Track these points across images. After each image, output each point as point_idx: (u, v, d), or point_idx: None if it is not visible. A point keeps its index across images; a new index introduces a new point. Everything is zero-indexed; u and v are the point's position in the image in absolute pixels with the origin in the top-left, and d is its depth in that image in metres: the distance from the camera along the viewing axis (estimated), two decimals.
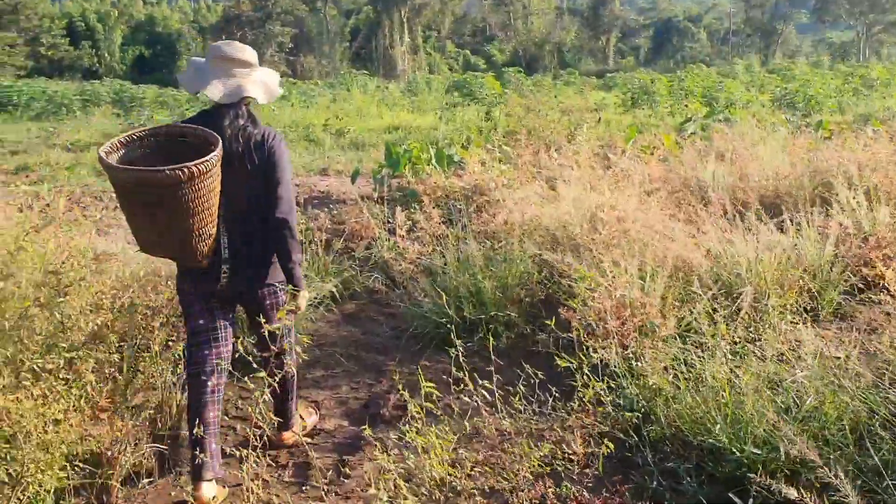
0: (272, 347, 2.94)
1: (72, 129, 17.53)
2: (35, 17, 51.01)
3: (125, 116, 18.78)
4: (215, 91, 3.08)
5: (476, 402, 3.45)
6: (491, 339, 3.88)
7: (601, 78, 39.40)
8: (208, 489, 3.01)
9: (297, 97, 21.87)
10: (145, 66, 57.37)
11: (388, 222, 7.25)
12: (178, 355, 3.64)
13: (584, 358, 3.33)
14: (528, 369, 3.36)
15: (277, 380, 2.96)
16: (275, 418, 3.12)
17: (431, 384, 3.03)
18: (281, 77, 3.47)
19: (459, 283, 4.66)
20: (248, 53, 3.24)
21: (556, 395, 3.37)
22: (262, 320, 3.12)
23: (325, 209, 9.25)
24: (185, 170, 2.73)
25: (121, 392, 3.31)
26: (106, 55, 57.37)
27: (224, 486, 3.17)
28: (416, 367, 4.38)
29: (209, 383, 3.15)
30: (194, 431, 3.02)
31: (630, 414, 3.24)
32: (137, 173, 2.75)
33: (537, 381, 3.34)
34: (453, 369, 4.01)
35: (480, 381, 3.21)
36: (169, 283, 4.15)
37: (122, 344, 3.51)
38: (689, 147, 8.86)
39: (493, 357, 3.47)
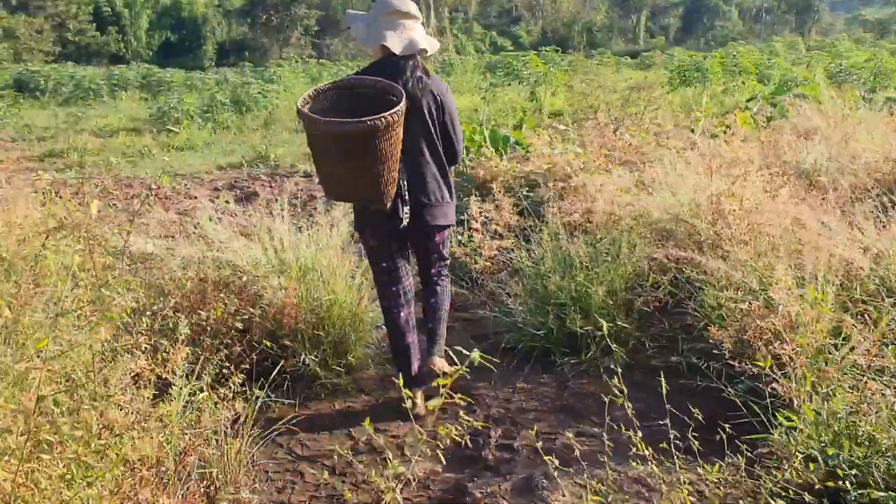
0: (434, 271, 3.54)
1: (99, 114, 16.97)
2: (62, 2, 50.70)
3: (153, 100, 18.20)
4: (395, 44, 3.21)
5: (604, 439, 2.72)
6: (601, 353, 3.09)
7: (635, 58, 38.24)
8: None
9: (329, 78, 21.14)
10: (171, 51, 56.86)
11: None
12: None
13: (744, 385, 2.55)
14: (660, 395, 2.60)
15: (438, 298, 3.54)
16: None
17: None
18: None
19: (559, 286, 3.90)
20: (414, 7, 3.36)
21: (698, 433, 2.61)
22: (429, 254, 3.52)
23: None
24: (383, 119, 2.89)
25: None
26: (132, 40, 56.95)
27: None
28: (514, 392, 3.65)
29: (402, 314, 3.49)
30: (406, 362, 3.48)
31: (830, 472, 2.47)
32: (341, 125, 2.89)
33: (671, 411, 2.58)
34: (564, 395, 3.28)
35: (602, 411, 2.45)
36: (218, 292, 3.46)
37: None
38: (770, 127, 8.00)
39: (608, 378, 2.68)
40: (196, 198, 9.01)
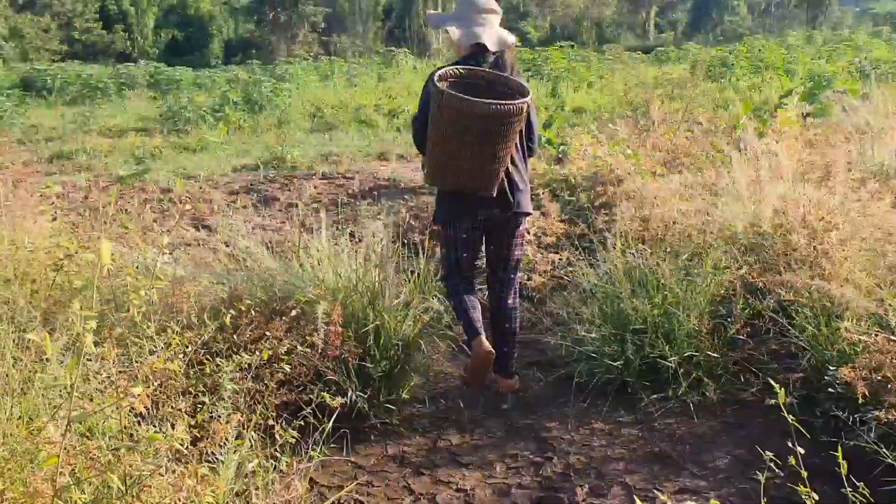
0: (512, 276, 3.62)
1: (108, 114, 16.56)
2: (68, 0, 50.37)
3: (162, 100, 17.75)
4: (489, 41, 3.32)
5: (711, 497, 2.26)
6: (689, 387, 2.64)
7: (647, 53, 37.70)
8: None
9: (341, 75, 20.68)
10: (178, 49, 56.50)
11: None
12: None
13: None
14: (762, 437, 2.15)
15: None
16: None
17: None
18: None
19: (637, 309, 3.44)
20: (495, 3, 3.45)
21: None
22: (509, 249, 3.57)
23: (400, 200, 8.08)
24: (525, 104, 3.08)
25: None
26: (138, 38, 56.63)
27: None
28: (593, 434, 3.20)
29: (474, 298, 3.53)
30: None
31: None
32: (495, 105, 2.97)
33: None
34: (652, 439, 2.83)
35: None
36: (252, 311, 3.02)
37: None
38: (808, 125, 7.53)
39: (700, 418, 2.21)
40: (211, 202, 8.60)
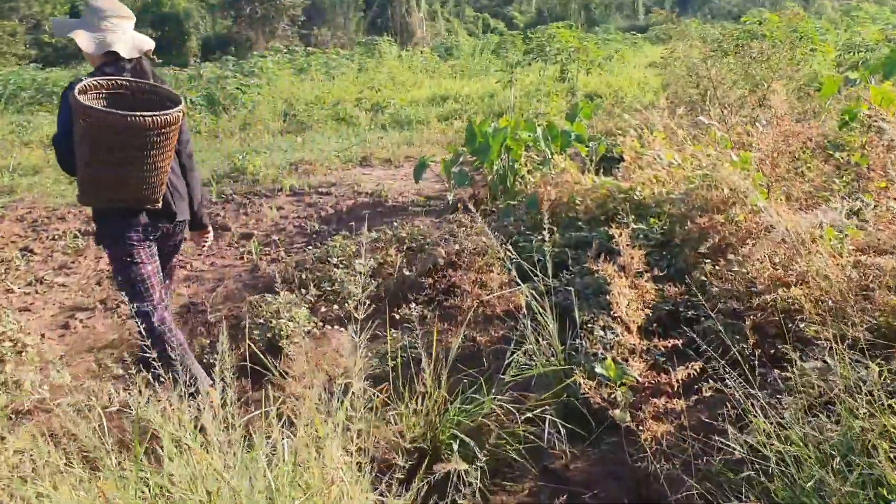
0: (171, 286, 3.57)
1: (50, 122, 14.58)
2: (36, 3, 48.18)
3: None
4: (124, 48, 3.12)
5: None
6: None
7: (643, 32, 35.90)
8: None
9: (319, 68, 18.71)
10: (155, 48, 54.46)
11: (511, 256, 4.25)
12: None
13: None
14: None
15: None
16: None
17: None
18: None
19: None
20: (126, 8, 3.24)
21: None
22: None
23: (384, 223, 6.20)
24: (182, 112, 2.96)
25: None
26: None
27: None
28: None
29: (167, 318, 3.27)
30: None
31: None
32: (146, 117, 2.82)
33: None
34: None
35: None
36: None
37: None
38: None
39: None
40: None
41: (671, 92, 7.22)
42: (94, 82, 2.95)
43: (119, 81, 3.02)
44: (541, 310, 2.92)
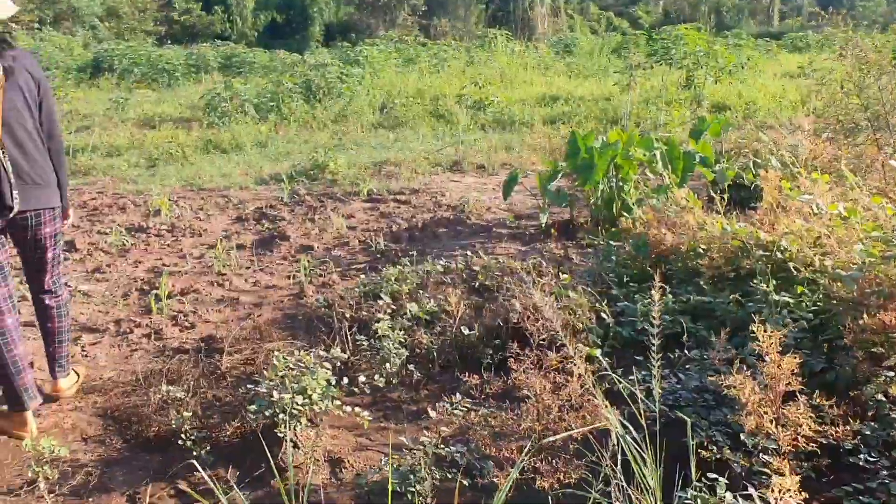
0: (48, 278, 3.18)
1: (153, 101, 14.45)
2: None
3: (228, 84, 15.46)
4: None
5: None
6: None
7: (778, 39, 33.49)
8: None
9: (427, 60, 17.92)
10: (277, 32, 55.32)
11: (606, 320, 3.27)
12: None
13: None
14: None
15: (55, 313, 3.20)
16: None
17: None
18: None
19: None
20: None
21: None
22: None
23: (460, 245, 5.30)
24: None
25: None
26: (238, 20, 55.76)
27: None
28: None
29: (9, 320, 2.95)
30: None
31: None
32: None
33: None
34: None
35: None
36: None
37: None
38: None
39: None
40: (201, 234, 6.04)
41: (823, 111, 5.96)
42: None
43: None
44: (636, 445, 1.93)
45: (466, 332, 3.36)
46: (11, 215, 2.91)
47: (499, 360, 3.25)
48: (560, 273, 4.02)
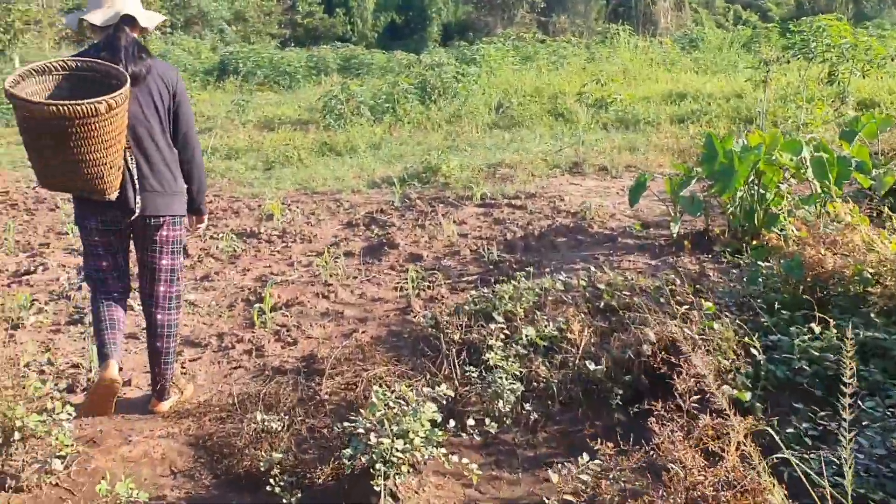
0: (162, 289, 3.14)
1: (273, 103, 14.67)
2: None
3: (345, 86, 15.55)
4: (96, 16, 2.97)
5: None
6: None
7: None
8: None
9: (545, 57, 17.41)
10: (396, 33, 56.05)
11: (756, 357, 2.79)
12: None
13: None
14: None
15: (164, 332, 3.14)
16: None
17: None
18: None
19: None
20: None
21: None
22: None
23: (581, 257, 4.87)
24: (104, 102, 2.66)
25: None
26: (358, 22, 56.91)
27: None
28: None
29: (119, 325, 3.07)
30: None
31: None
32: (54, 106, 2.60)
33: None
34: None
35: None
36: None
37: None
38: None
39: None
40: (310, 241, 5.88)
41: None
42: (31, 68, 2.78)
43: (90, 63, 2.83)
44: None
45: (592, 367, 2.94)
46: (133, 218, 2.96)
47: (630, 397, 2.83)
48: (698, 294, 3.54)
